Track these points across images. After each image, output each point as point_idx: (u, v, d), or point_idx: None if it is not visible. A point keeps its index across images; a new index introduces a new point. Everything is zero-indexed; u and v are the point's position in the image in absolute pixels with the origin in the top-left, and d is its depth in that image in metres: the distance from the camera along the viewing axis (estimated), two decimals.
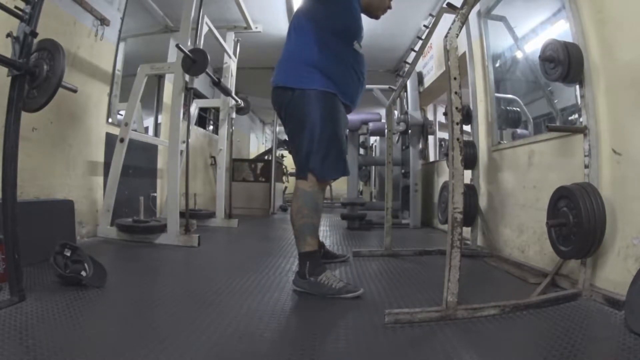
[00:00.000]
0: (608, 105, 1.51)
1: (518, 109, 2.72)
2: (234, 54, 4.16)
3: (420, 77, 4.47)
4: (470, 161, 2.55)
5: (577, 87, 1.65)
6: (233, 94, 3.88)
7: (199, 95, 5.04)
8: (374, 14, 1.82)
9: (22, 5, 1.30)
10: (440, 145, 5.37)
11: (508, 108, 2.72)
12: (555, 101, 2.42)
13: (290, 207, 1.74)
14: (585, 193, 1.42)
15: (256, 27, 4.29)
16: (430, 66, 4.25)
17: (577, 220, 1.43)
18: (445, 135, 5.27)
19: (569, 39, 1.63)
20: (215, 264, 2.27)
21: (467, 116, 2.67)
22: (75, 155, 2.69)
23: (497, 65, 2.75)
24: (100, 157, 2.98)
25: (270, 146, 7.92)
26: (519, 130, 2.66)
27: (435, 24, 1.89)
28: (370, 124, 4.25)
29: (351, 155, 4.02)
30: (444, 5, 1.54)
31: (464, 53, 2.75)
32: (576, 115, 2.03)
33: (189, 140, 3.29)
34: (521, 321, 1.26)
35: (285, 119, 1.70)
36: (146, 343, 1.03)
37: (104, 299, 1.43)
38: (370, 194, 7.98)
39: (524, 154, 2.16)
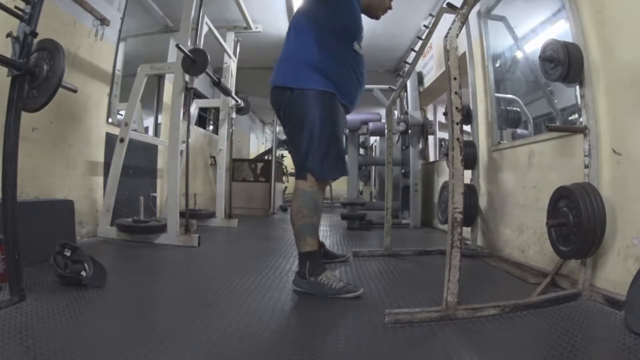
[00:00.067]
0: (608, 105, 1.51)
1: (518, 109, 2.72)
2: (234, 54, 4.16)
3: (420, 77, 4.47)
4: (470, 161, 2.55)
5: (577, 87, 1.65)
6: (233, 94, 3.88)
7: (199, 95, 5.04)
8: (374, 14, 1.82)
9: (22, 5, 1.30)
10: (440, 145, 5.37)
11: (508, 108, 2.71)
12: (555, 101, 2.42)
13: (290, 207, 1.74)
14: (585, 193, 1.42)
15: (256, 27, 4.29)
16: (430, 66, 4.25)
17: (577, 220, 1.43)
18: (445, 135, 5.27)
19: (569, 39, 1.63)
20: (215, 264, 2.27)
21: (467, 116, 2.67)
22: (75, 155, 2.69)
23: (497, 65, 2.75)
24: (100, 157, 2.98)
25: (270, 146, 7.93)
26: (519, 130, 2.66)
27: (435, 24, 1.89)
28: (370, 124, 4.25)
29: (351, 155, 4.03)
30: (444, 5, 1.54)
31: (464, 53, 2.75)
32: (576, 115, 2.03)
33: (189, 140, 3.29)
34: (521, 321, 1.26)
35: (284, 118, 1.70)
36: (146, 343, 1.03)
37: (104, 299, 1.43)
38: (370, 194, 7.97)
39: (524, 154, 2.16)
